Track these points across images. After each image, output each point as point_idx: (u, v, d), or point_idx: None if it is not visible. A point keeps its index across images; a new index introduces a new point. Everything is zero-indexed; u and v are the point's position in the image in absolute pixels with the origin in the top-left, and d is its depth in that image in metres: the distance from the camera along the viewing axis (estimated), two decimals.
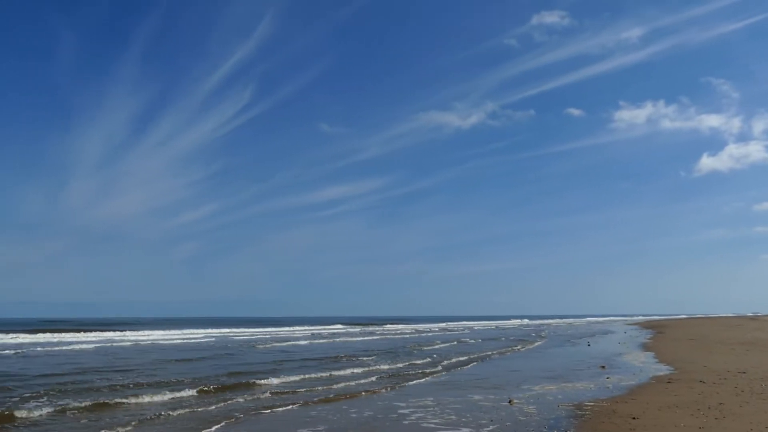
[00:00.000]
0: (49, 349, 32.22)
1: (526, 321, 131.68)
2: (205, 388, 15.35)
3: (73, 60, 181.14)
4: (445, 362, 24.67)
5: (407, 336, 51.83)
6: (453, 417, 11.92)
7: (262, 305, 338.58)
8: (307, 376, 18.98)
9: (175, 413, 12.15)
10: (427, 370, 21.08)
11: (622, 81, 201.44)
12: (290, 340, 45.66)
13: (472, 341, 41.32)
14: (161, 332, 58.06)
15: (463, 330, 68.61)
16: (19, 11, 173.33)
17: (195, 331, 62.95)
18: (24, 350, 30.66)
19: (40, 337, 45.46)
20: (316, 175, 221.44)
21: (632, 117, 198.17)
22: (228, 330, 65.00)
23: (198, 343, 41.49)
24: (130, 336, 48.68)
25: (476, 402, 13.83)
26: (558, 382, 17.66)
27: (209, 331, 65.09)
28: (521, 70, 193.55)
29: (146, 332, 57.35)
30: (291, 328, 76.62)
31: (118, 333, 55.18)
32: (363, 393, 15.53)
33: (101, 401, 13.25)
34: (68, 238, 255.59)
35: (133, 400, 13.56)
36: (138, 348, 34.95)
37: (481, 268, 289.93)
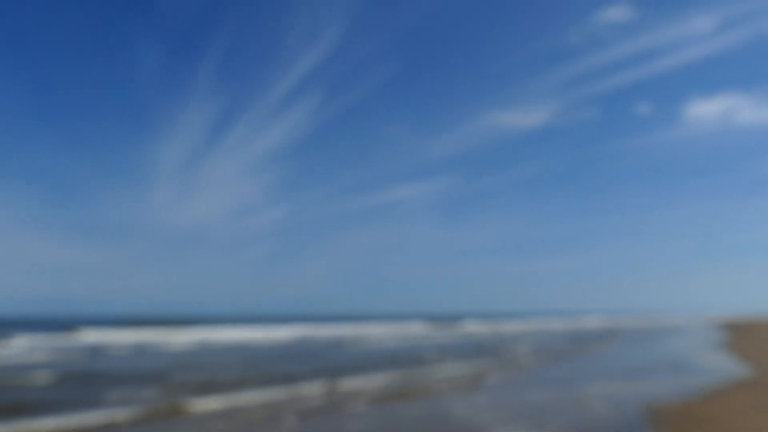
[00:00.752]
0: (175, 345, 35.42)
1: (598, 318, 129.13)
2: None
3: (154, 72, 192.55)
4: (528, 359, 25.27)
5: (487, 335, 52.18)
6: (523, 418, 11.88)
7: (333, 303, 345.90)
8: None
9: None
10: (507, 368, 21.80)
11: (693, 73, 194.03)
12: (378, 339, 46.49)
13: (549, 339, 41.56)
14: (248, 330, 61.09)
15: (538, 328, 68.53)
16: (107, 30, 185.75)
17: (278, 328, 65.68)
18: (153, 347, 33.65)
19: (151, 335, 49.50)
20: (383, 176, 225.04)
21: (704, 110, 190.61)
22: (314, 327, 67.78)
23: (312, 340, 43.22)
24: (228, 334, 51.84)
25: (548, 401, 13.76)
26: (632, 381, 17.32)
27: (300, 329, 67.32)
28: (586, 66, 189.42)
29: (235, 330, 60.72)
30: (370, 325, 78.22)
31: (210, 330, 59.26)
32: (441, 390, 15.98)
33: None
34: (152, 240, 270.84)
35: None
36: (253, 346, 36.83)
37: (550, 265, 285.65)
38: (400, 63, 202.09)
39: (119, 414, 11.18)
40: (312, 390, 15.87)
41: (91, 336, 45.75)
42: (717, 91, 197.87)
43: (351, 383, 17.50)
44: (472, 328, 77.44)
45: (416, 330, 70.28)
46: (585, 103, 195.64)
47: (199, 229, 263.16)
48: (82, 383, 17.83)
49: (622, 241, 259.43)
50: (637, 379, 18.21)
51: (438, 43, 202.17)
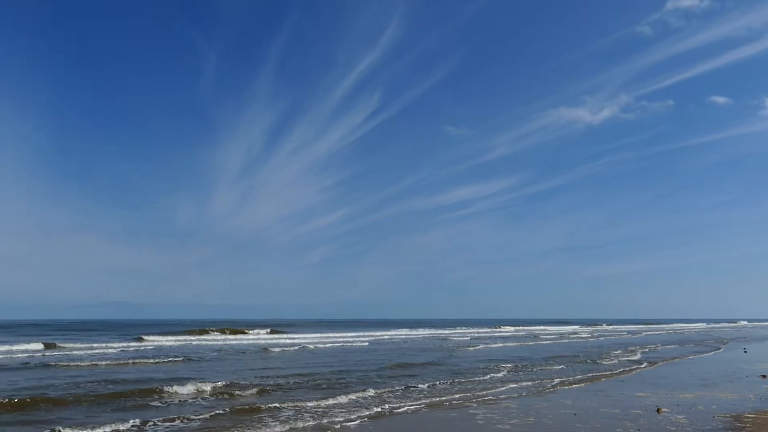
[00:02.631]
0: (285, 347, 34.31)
1: (669, 325, 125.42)
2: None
3: (215, 80, 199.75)
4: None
5: (585, 340, 51.74)
6: (597, 425, 11.44)
7: (393, 307, 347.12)
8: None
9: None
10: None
11: None
12: (482, 342, 44.44)
13: (619, 349, 40.49)
14: (317, 335, 62.84)
15: (611, 334, 67.39)
16: (169, 35, 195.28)
17: (348, 334, 66.76)
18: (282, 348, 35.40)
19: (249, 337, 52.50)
20: (444, 177, 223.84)
21: None
22: (385, 331, 68.96)
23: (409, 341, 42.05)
24: (300, 338, 53.42)
25: (622, 411, 12.99)
26: (712, 390, 16.60)
27: (374, 333, 66.62)
28: (657, 58, 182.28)
29: (307, 335, 62.61)
30: (452, 330, 77.25)
31: (280, 335, 61.16)
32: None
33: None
34: (215, 245, 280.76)
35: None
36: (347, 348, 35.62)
37: (617, 269, 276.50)
38: (460, 60, 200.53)
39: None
40: None
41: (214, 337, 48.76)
42: None
43: None
44: (553, 331, 74.66)
45: (505, 333, 68.30)
46: (656, 98, 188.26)
47: (259, 234, 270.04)
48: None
49: (697, 243, 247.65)
50: (717, 388, 17.37)
51: (499, 39, 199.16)
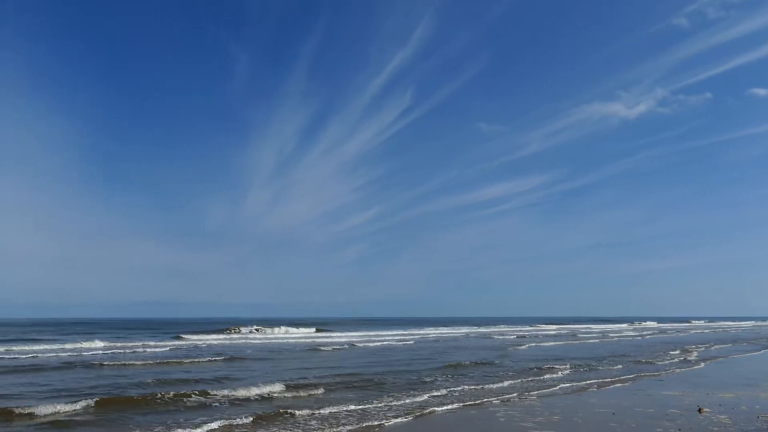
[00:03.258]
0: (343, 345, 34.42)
1: (716, 323, 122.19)
2: None
3: (247, 80, 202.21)
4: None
5: (633, 338, 50.68)
6: (632, 425, 11.28)
7: (426, 305, 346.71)
8: None
9: None
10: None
11: None
12: (529, 341, 43.86)
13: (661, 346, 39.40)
14: (359, 333, 62.80)
15: (657, 333, 65.94)
16: (201, 37, 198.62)
17: (390, 332, 66.70)
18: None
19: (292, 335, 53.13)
20: (476, 175, 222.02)
21: None
22: (424, 330, 69.15)
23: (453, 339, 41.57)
24: (346, 337, 53.89)
25: (662, 411, 12.70)
26: (756, 390, 16.28)
27: (416, 332, 66.49)
28: (694, 51, 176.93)
29: (350, 333, 62.65)
30: (494, 328, 76.80)
31: (325, 334, 61.17)
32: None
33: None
34: (249, 245, 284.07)
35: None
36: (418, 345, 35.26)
37: (654, 266, 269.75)
38: (491, 57, 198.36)
39: None
40: None
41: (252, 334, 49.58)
42: None
43: None
44: (596, 329, 73.43)
45: (549, 332, 66.93)
46: (694, 91, 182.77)
47: (292, 233, 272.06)
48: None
49: (743, 239, 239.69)
50: (760, 388, 16.93)
51: (531, 35, 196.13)
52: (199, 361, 24.57)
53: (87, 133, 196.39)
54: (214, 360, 25.39)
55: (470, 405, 13.64)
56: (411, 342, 42.65)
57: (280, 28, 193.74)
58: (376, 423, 11.45)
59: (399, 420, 11.76)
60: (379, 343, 39.77)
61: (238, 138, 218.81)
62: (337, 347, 35.25)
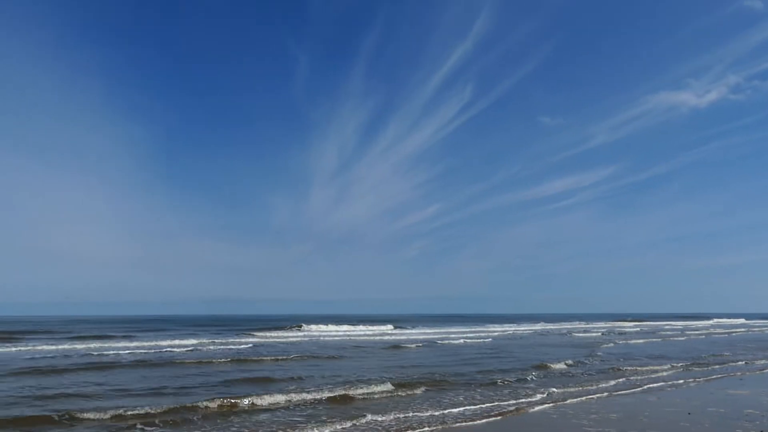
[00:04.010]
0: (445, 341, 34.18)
1: None
2: None
3: (307, 80, 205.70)
4: None
5: (719, 334, 48.42)
6: (706, 425, 11.09)
7: (490, 302, 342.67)
8: None
9: None
10: None
11: None
12: (613, 338, 42.19)
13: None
14: (436, 330, 62.29)
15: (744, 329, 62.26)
16: (263, 36, 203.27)
17: (467, 329, 65.39)
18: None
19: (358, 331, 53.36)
20: (540, 169, 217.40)
21: None
22: (491, 327, 68.83)
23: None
24: (415, 333, 54.77)
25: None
26: None
27: (492, 329, 65.80)
28: None
29: (426, 330, 62.24)
30: (570, 325, 75.35)
31: (402, 331, 60.03)
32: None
33: None
34: (312, 242, 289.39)
35: None
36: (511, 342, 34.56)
37: (729, 260, 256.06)
38: (554, 48, 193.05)
39: None
40: None
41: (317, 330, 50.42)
42: None
43: None
44: (678, 325, 70.25)
45: (629, 329, 64.39)
46: None
47: (355, 230, 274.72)
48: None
49: None
50: None
51: (594, 25, 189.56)
52: (287, 358, 24.80)
53: (157, 135, 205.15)
54: (304, 357, 25.58)
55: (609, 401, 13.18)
56: (489, 340, 42.03)
57: (340, 26, 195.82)
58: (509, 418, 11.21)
59: (530, 415, 11.48)
60: (460, 341, 39.32)
61: (300, 137, 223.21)
62: (420, 345, 34.91)
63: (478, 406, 13.17)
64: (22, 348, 30.17)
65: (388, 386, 15.98)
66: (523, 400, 14.13)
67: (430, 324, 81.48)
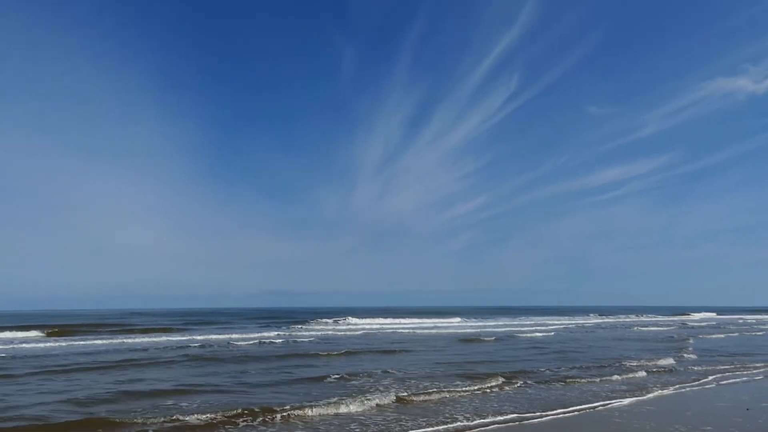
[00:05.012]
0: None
1: None
2: None
3: (353, 74, 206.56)
4: None
5: None
6: None
7: (539, 294, 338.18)
8: None
9: None
10: None
11: None
12: (693, 332, 40.97)
13: None
14: (498, 322, 62.09)
15: None
16: (310, 38, 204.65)
17: (525, 321, 65.09)
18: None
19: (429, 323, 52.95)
20: (588, 159, 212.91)
21: None
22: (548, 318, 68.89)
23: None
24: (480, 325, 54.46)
25: None
26: None
27: (551, 321, 65.06)
28: None
29: (488, 322, 62.13)
30: (634, 318, 74.00)
31: (467, 323, 61.17)
32: None
33: None
34: (359, 235, 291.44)
35: None
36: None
37: None
38: (602, 36, 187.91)
39: None
40: None
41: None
42: None
43: None
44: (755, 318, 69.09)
45: (694, 323, 63.08)
46: None
47: (402, 223, 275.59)
48: None
49: None
50: None
51: (645, 10, 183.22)
52: (368, 351, 24.98)
53: (207, 132, 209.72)
54: (390, 351, 25.55)
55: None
56: (552, 333, 41.25)
57: (384, 18, 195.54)
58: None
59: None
60: (528, 335, 38.92)
61: (346, 130, 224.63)
62: (494, 338, 34.45)
63: (637, 398, 13.26)
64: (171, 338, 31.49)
65: (499, 380, 15.95)
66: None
67: (485, 316, 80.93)
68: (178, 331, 42.78)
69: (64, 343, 29.57)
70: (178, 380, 15.60)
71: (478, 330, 44.90)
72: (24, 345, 28.75)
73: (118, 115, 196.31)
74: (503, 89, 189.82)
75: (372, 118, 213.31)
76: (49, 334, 38.52)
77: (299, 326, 50.95)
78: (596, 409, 12.25)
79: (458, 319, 65.57)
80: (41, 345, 28.90)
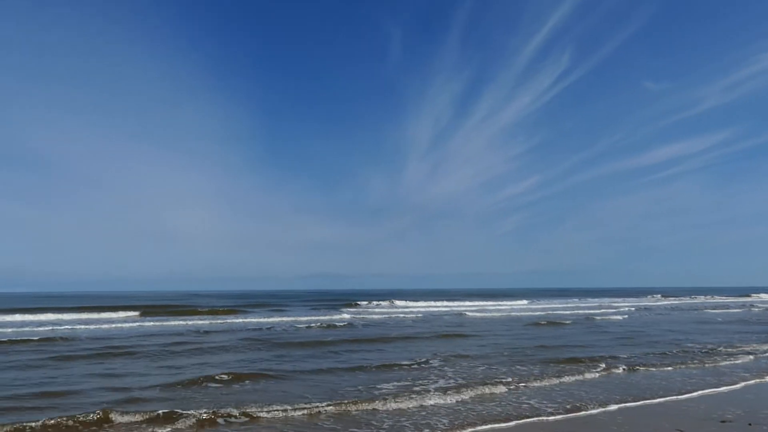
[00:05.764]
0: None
1: None
2: None
3: (401, 56, 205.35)
4: None
5: None
6: None
7: (594, 275, 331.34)
8: None
9: None
10: None
11: None
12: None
13: None
14: (567, 304, 61.19)
15: None
16: (358, 22, 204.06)
17: (592, 301, 64.21)
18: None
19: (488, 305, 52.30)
20: (644, 137, 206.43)
21: None
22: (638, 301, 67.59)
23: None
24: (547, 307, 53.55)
25: None
26: None
27: (620, 302, 63.55)
28: None
29: (554, 304, 61.63)
30: (701, 299, 71.49)
31: (537, 305, 61.04)
32: None
33: None
34: (408, 217, 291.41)
35: None
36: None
37: None
38: (657, 9, 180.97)
39: None
40: None
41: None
42: None
43: None
44: None
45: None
46: None
47: (450, 204, 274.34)
48: None
49: None
50: None
51: None
52: (453, 334, 24.55)
53: (259, 118, 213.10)
54: (472, 335, 25.04)
55: None
56: (626, 316, 39.72)
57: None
58: None
59: None
60: (603, 317, 37.76)
61: (394, 113, 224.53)
62: (571, 321, 33.51)
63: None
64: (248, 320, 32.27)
65: (610, 366, 15.32)
66: None
67: (546, 298, 79.50)
68: (243, 312, 43.60)
69: (158, 323, 31.04)
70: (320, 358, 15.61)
71: (547, 313, 43.81)
72: (129, 324, 30.50)
73: (173, 102, 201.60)
74: (554, 67, 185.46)
75: (420, 100, 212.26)
76: (141, 315, 40.21)
77: (358, 308, 51.32)
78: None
79: (525, 302, 64.36)
80: (148, 324, 30.64)
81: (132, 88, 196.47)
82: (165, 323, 31.39)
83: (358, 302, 61.21)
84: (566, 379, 13.15)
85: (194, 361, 15.92)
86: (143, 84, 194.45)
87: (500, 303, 61.69)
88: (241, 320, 33.87)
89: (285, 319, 34.77)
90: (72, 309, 46.37)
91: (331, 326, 29.03)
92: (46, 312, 40.01)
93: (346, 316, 38.39)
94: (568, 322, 32.79)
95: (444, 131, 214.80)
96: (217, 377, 12.82)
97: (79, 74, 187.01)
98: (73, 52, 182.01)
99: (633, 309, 49.60)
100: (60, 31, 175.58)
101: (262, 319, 34.18)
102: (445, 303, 60.98)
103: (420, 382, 12.61)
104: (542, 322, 32.49)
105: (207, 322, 32.61)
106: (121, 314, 39.94)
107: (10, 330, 26.66)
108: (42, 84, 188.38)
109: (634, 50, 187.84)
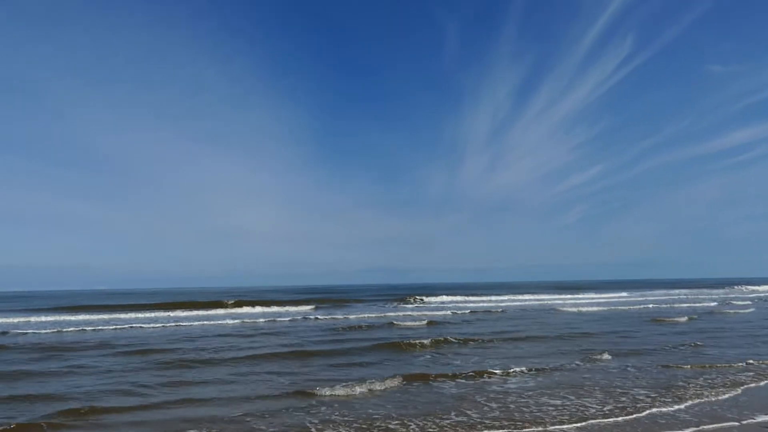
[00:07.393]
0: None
1: None
2: None
3: (457, 48, 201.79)
4: None
5: None
6: None
7: (662, 266, 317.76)
8: None
9: None
10: None
11: None
12: None
13: None
14: (651, 297, 58.20)
15: None
16: (414, 16, 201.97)
17: (669, 292, 60.47)
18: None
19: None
20: (713, 122, 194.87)
21: None
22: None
23: None
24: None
25: None
26: None
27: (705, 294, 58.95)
28: None
29: (635, 297, 57.88)
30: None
31: (612, 296, 55.94)
32: None
33: None
34: (467, 211, 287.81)
35: None
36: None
37: None
38: None
39: None
40: None
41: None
42: None
43: None
44: None
45: None
46: None
47: (510, 197, 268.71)
48: None
49: None
50: None
51: None
52: (569, 335, 22.80)
53: (317, 114, 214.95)
54: (610, 332, 23.35)
55: None
56: (752, 309, 36.47)
57: None
58: None
59: None
60: (727, 311, 34.76)
61: (452, 106, 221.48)
62: (688, 317, 30.62)
63: None
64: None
65: None
66: None
67: (628, 290, 75.53)
68: (322, 308, 43.33)
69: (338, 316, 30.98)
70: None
71: (647, 306, 40.90)
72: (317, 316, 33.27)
73: (235, 103, 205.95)
74: (616, 53, 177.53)
75: (478, 92, 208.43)
76: (315, 308, 42.67)
77: (430, 302, 49.79)
78: None
79: (624, 294, 61.04)
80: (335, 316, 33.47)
81: (193, 90, 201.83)
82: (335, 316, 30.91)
83: (423, 296, 57.91)
84: None
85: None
86: (204, 86, 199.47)
87: (578, 296, 58.18)
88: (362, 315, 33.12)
89: (387, 314, 33.82)
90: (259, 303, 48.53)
91: (436, 322, 27.69)
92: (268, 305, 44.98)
93: (447, 312, 36.94)
94: (683, 318, 29.93)
95: (502, 124, 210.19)
96: None
97: (142, 79, 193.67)
98: (135, 56, 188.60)
99: (749, 302, 45.88)
100: (123, 34, 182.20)
101: (350, 316, 33.49)
102: (526, 296, 58.34)
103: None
104: (659, 318, 29.91)
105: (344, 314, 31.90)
106: (301, 308, 42.37)
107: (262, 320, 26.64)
108: (107, 88, 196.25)
109: (700, 33, 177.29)
